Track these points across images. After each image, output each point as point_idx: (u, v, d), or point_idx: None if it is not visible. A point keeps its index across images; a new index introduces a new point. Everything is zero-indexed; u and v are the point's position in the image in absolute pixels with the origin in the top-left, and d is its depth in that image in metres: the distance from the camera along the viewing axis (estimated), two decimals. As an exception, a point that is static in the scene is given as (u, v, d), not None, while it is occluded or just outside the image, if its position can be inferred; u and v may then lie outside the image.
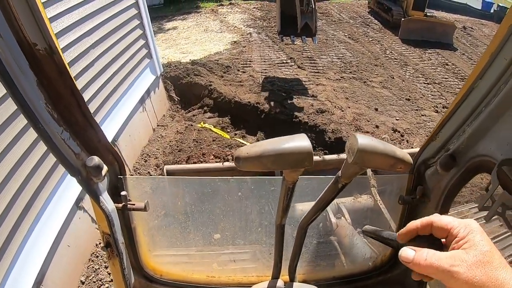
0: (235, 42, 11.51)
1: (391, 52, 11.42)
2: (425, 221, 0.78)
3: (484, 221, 1.14)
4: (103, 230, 1.28)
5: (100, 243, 4.40)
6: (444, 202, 1.36)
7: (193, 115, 7.92)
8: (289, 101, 7.70)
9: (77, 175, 1.10)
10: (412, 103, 8.58)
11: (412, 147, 6.58)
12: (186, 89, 8.48)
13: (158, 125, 6.99)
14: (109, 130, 5.15)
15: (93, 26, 4.79)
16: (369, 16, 15.03)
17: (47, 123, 0.98)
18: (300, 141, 0.92)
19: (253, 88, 8.19)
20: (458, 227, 0.73)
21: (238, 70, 9.21)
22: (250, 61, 9.95)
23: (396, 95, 8.81)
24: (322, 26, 13.22)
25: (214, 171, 3.74)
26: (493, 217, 1.04)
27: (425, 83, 9.81)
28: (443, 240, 0.77)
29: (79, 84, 4.41)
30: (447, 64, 11.22)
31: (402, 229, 0.82)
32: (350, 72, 9.56)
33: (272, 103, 7.54)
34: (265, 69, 9.47)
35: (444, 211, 1.37)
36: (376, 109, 7.98)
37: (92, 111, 3.98)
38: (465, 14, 17.53)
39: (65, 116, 1.04)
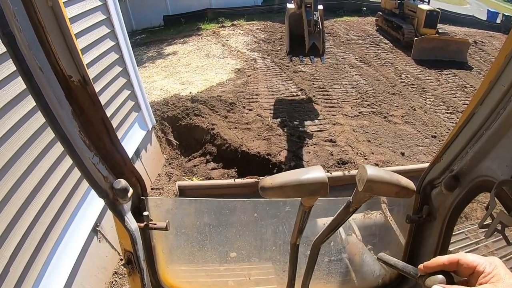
0: (238, 70, 9.91)
1: (406, 76, 9.84)
2: (452, 258, 0.76)
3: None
4: (125, 247, 1.27)
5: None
6: (449, 221, 1.34)
7: (194, 165, 6.36)
8: (304, 150, 6.14)
9: (104, 197, 1.10)
10: (439, 140, 7.04)
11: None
12: (185, 132, 6.93)
13: (152, 188, 5.43)
14: (88, 217, 3.69)
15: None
16: (378, 34, 13.43)
17: (80, 149, 0.99)
18: (316, 173, 0.96)
19: (262, 133, 6.61)
20: (483, 264, 0.72)
21: (244, 107, 7.63)
22: (256, 95, 8.36)
23: (421, 131, 7.25)
24: (331, 48, 11.62)
25: (226, 188, 3.49)
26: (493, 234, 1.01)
27: (447, 113, 8.26)
28: (464, 278, 0.76)
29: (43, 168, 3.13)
30: (465, 87, 9.68)
31: (427, 262, 0.81)
32: (368, 105, 7.96)
33: (285, 153, 5.99)
34: (274, 105, 7.88)
35: (449, 229, 1.35)
36: (403, 154, 6.43)
37: (60, 202, 3.26)
38: (472, 27, 16.02)
39: (95, 142, 1.04)
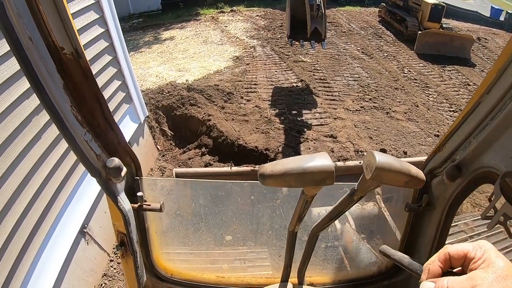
0: (237, 57, 9.47)
1: (409, 71, 9.48)
2: (442, 256, 0.71)
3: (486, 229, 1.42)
4: (118, 229, 1.24)
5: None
6: (448, 211, 1.31)
7: (189, 158, 6.02)
8: (304, 146, 5.81)
9: (97, 176, 1.05)
10: (443, 139, 6.72)
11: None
12: (181, 122, 6.57)
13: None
14: (75, 218, 3.39)
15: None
16: (380, 26, 12.98)
17: (72, 125, 0.95)
18: (322, 160, 0.88)
19: (260, 125, 6.27)
20: (473, 250, 0.68)
21: (242, 98, 7.25)
22: (255, 84, 7.97)
23: (424, 129, 6.94)
24: (332, 38, 11.19)
25: (222, 176, 3.40)
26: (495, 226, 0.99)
27: (450, 111, 7.94)
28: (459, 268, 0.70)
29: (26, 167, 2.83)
30: (468, 84, 9.35)
31: (428, 274, 0.72)
32: (370, 99, 7.62)
33: (284, 149, 5.66)
34: (273, 96, 7.50)
35: (448, 219, 1.33)
36: (405, 153, 6.13)
37: (44, 205, 2.96)
38: (475, 23, 15.60)
39: (88, 119, 1.00)
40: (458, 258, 0.70)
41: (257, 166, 3.67)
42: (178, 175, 3.31)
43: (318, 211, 1.78)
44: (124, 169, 1.13)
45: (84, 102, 0.97)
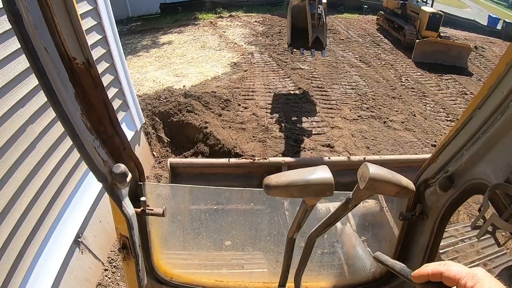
0: (235, 63, 9.50)
1: (407, 80, 9.55)
2: (436, 270, 0.74)
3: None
4: (120, 232, 1.27)
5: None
6: (441, 220, 1.34)
7: (185, 165, 6.02)
8: (301, 155, 5.82)
9: (103, 181, 1.09)
10: (439, 149, 6.76)
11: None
12: (177, 129, 6.56)
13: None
14: (69, 228, 3.38)
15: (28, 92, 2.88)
16: (378, 34, 13.10)
17: (82, 132, 0.98)
18: (323, 173, 0.95)
19: (258, 134, 6.28)
20: (465, 278, 0.69)
21: (239, 105, 7.26)
22: (252, 91, 7.99)
23: (421, 139, 6.98)
24: (330, 45, 11.25)
25: (219, 167, 3.38)
26: (484, 236, 1.03)
27: (447, 120, 8.01)
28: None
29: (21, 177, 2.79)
30: (465, 94, 9.44)
31: (415, 272, 0.79)
32: (368, 108, 7.66)
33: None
34: (270, 104, 7.52)
35: (441, 228, 1.37)
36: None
37: (44, 206, 3.02)
38: (473, 31, 15.77)
39: (96, 125, 1.04)
40: (449, 280, 0.72)
41: (256, 158, 3.62)
42: (173, 166, 3.29)
43: (320, 207, 1.88)
44: (130, 175, 1.15)
45: (93, 109, 1.01)
